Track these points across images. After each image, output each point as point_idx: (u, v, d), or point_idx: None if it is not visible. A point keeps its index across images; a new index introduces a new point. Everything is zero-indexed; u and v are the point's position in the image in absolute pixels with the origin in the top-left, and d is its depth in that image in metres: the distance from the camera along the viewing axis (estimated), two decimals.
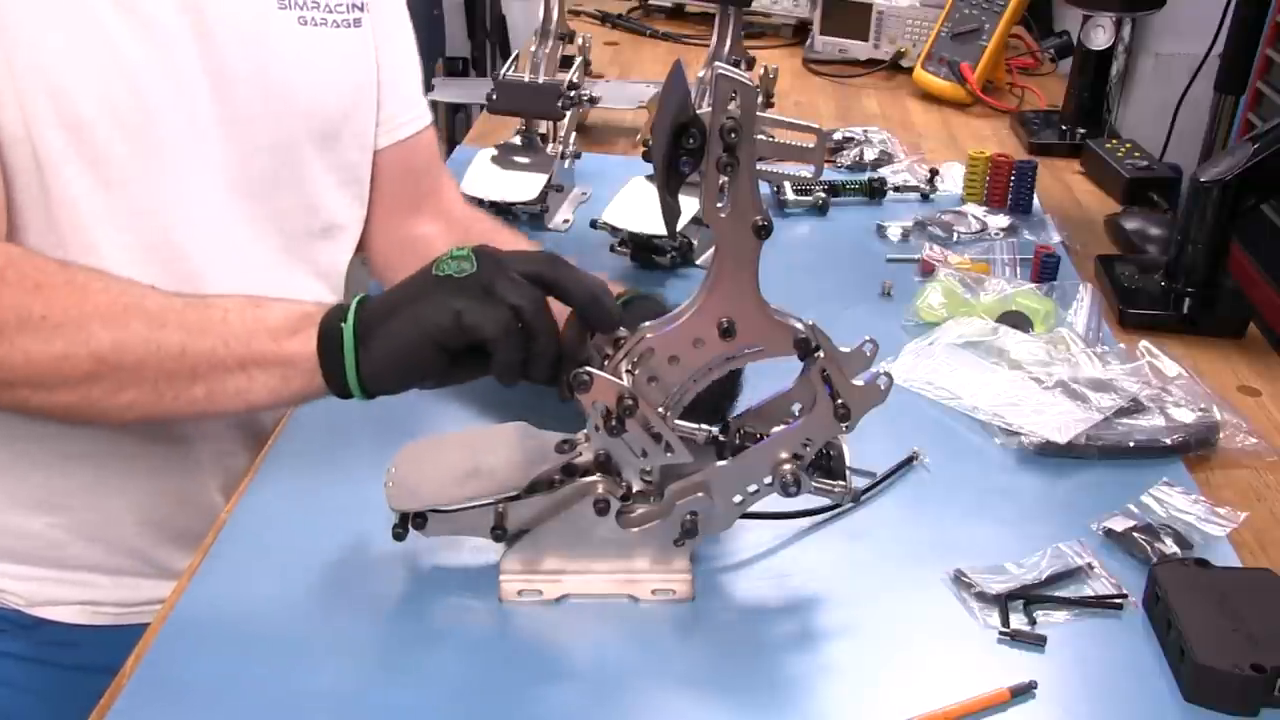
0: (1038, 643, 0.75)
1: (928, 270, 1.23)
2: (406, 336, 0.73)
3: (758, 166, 0.67)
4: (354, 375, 0.74)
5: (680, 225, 1.13)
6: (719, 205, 0.67)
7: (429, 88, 1.55)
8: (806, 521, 0.85)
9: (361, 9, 0.99)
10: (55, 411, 0.79)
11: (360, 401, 0.75)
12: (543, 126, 1.38)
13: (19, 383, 0.77)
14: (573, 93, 1.32)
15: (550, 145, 1.38)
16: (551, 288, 0.74)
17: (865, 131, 1.61)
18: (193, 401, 0.77)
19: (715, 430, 0.79)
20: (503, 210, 1.29)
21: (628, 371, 0.73)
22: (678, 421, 0.76)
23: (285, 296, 0.94)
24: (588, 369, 0.71)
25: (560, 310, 0.74)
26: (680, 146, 0.66)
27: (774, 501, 0.77)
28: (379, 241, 1.11)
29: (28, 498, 0.92)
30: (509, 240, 1.04)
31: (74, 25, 0.83)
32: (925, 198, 1.45)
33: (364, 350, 0.73)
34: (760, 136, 0.67)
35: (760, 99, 1.33)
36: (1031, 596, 0.79)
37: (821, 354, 0.72)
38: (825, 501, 0.83)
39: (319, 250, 1.02)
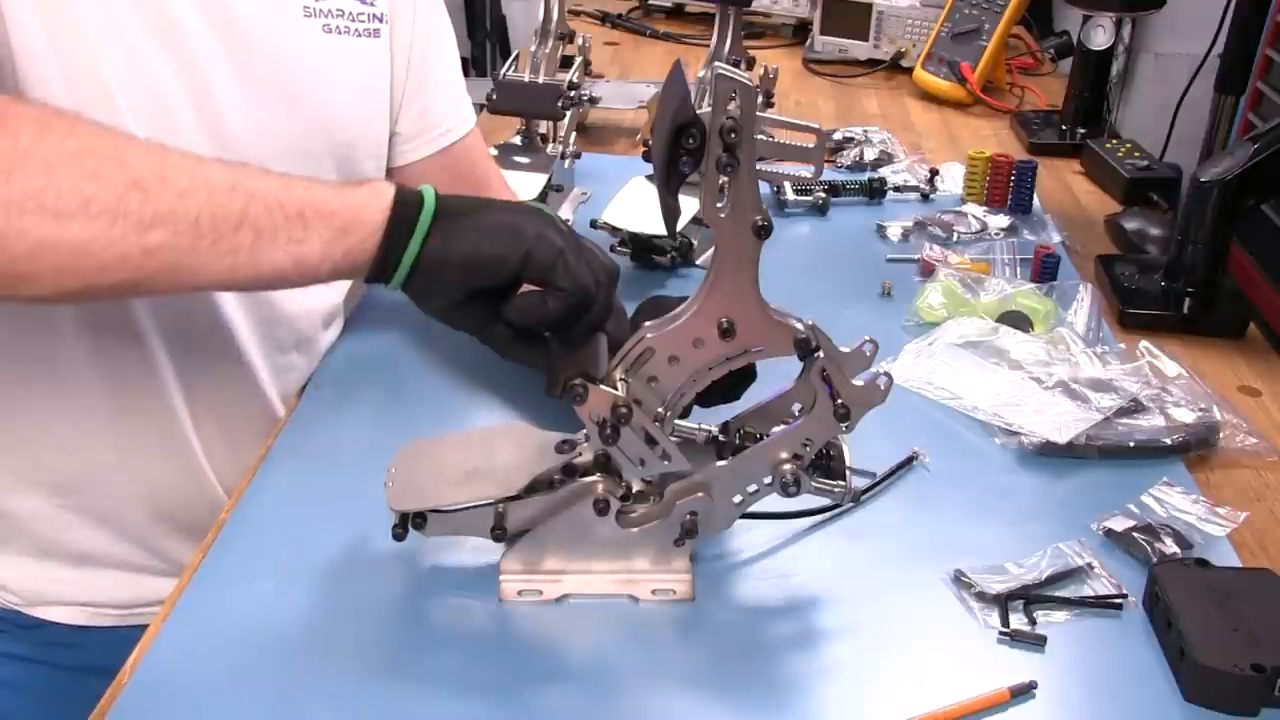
0: (1038, 643, 0.75)
1: (928, 270, 1.23)
2: (493, 228, 0.72)
3: (758, 166, 0.67)
4: (417, 246, 0.71)
5: (680, 225, 1.13)
6: (719, 205, 0.67)
7: None
8: (806, 521, 0.85)
9: (381, 19, 0.99)
10: (57, 254, 0.64)
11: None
12: (543, 126, 1.38)
13: (28, 204, 0.62)
14: (573, 93, 1.32)
15: (550, 145, 1.38)
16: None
17: (865, 131, 1.61)
18: (232, 252, 0.67)
19: (715, 430, 0.79)
20: None
21: (621, 380, 0.73)
22: (678, 422, 0.76)
23: (299, 300, 0.94)
24: (582, 381, 0.71)
25: None
26: (680, 146, 0.66)
27: (774, 501, 0.77)
28: None
29: (41, 478, 0.92)
30: None
31: (105, 39, 0.81)
32: (925, 198, 1.45)
33: (438, 225, 0.71)
34: (760, 136, 0.67)
35: (760, 99, 1.33)
36: (1031, 596, 0.79)
37: (821, 354, 0.72)
38: (825, 501, 0.83)
39: None
